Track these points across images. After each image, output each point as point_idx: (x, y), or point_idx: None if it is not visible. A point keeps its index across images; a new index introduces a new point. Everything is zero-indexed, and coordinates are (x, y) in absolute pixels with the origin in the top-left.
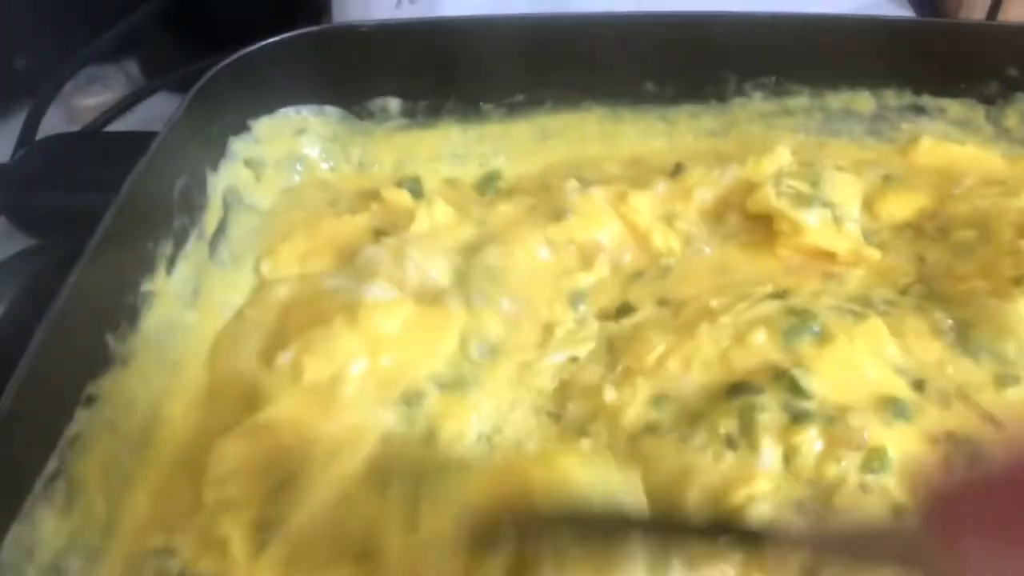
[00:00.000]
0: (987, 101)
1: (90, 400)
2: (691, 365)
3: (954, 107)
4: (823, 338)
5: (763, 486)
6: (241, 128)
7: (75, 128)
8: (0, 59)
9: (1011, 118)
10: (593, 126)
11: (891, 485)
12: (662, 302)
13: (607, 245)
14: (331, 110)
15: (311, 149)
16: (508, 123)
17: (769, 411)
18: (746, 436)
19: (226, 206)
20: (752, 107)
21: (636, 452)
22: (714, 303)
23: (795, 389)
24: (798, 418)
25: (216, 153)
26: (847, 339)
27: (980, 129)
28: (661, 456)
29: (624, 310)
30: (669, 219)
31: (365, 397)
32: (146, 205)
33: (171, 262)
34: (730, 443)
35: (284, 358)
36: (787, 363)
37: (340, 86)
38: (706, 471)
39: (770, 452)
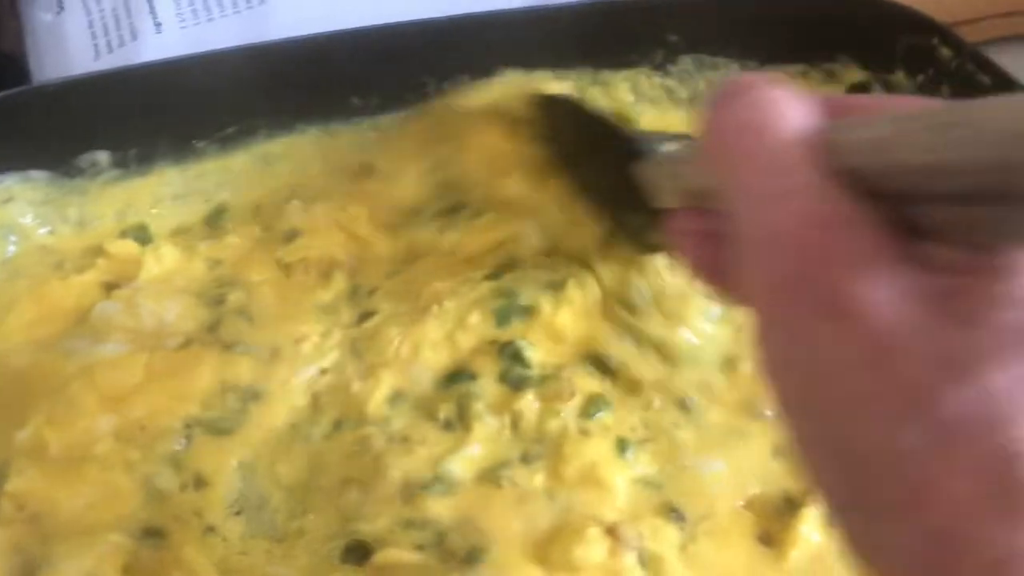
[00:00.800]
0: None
1: None
2: (420, 351)
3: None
4: (531, 311)
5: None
6: None
7: None
8: None
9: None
10: (309, 146)
11: (610, 422)
12: (399, 298)
13: (341, 258)
14: (37, 174)
15: (22, 218)
16: (225, 156)
17: (484, 396)
18: (462, 420)
19: None
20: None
21: None
22: (440, 286)
23: (517, 359)
24: (518, 386)
25: None
26: (551, 310)
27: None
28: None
29: (366, 315)
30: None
31: (119, 458)
32: None
33: None
34: (448, 426)
35: (23, 435)
36: (506, 337)
37: (43, 148)
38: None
39: (486, 427)
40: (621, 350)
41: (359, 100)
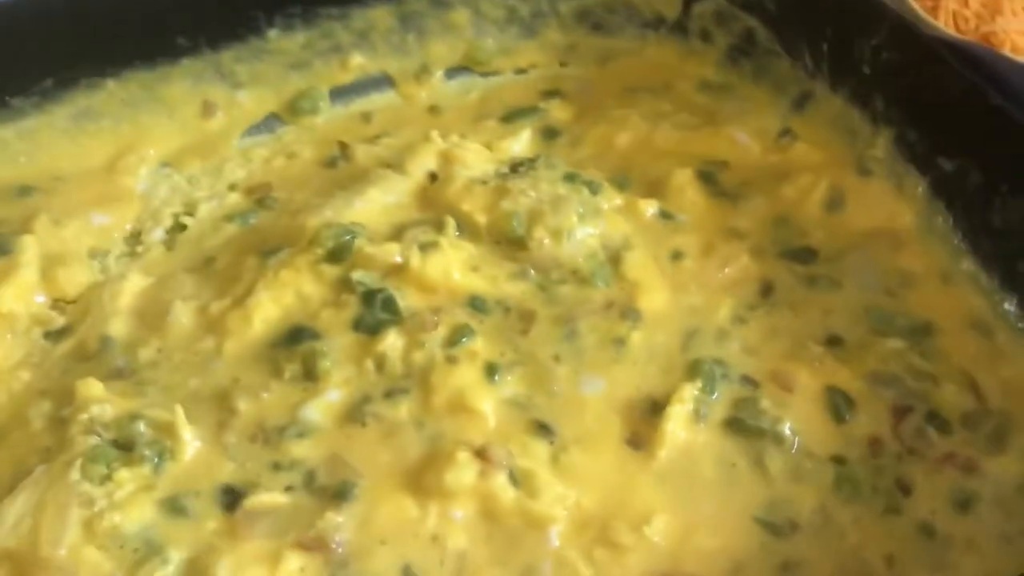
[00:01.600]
0: None
1: None
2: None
3: None
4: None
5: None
6: None
7: None
8: None
9: None
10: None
11: (478, 347)
12: None
13: None
14: None
15: None
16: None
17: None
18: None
19: None
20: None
21: None
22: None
23: (388, 307)
24: (375, 330)
25: None
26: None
27: None
28: None
29: None
30: None
31: None
32: None
33: None
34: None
35: None
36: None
37: None
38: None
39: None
40: (508, 287)
41: (186, 40)
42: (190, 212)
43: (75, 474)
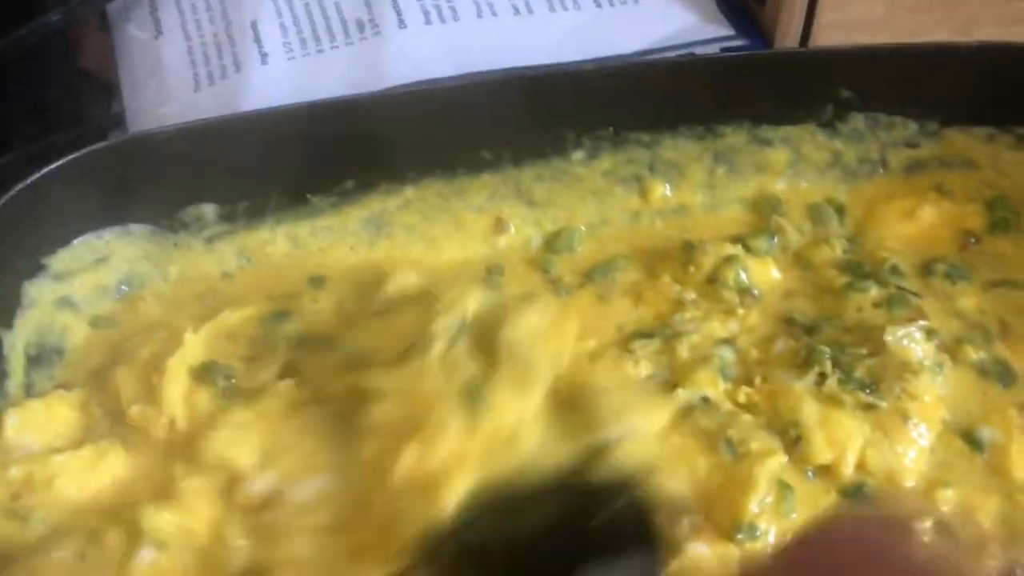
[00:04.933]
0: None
1: None
2: None
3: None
4: None
5: None
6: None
7: None
8: None
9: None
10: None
11: None
12: None
13: None
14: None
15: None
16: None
17: None
18: None
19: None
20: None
21: None
22: None
23: None
24: None
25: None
26: None
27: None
28: None
29: None
30: None
31: None
32: None
33: None
34: None
35: None
36: None
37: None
38: None
39: None
40: None
41: (490, 154)
42: None
43: None
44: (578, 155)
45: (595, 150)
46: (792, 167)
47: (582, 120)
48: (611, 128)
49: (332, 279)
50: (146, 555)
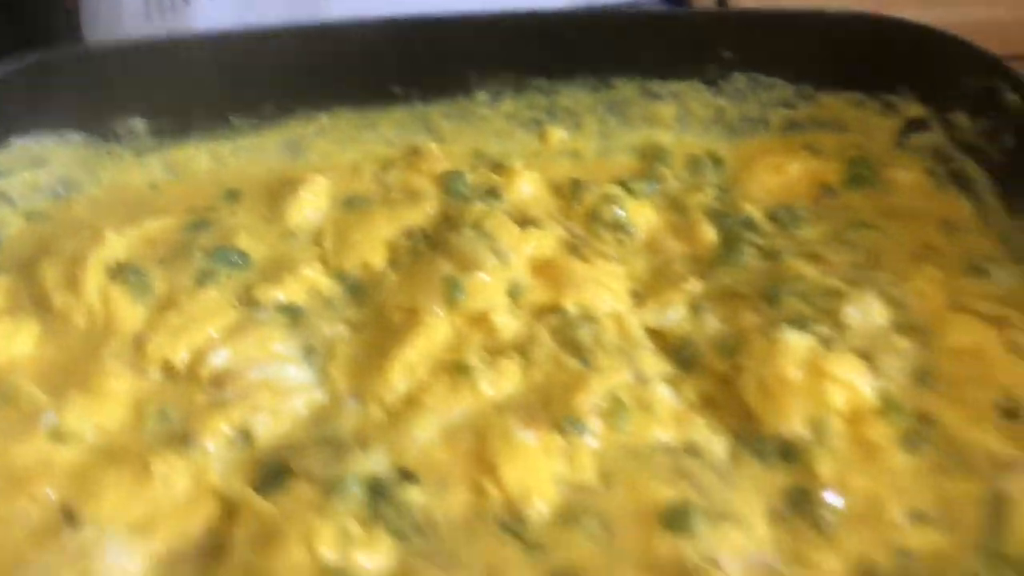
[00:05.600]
0: (709, 84)
1: None
2: None
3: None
4: None
5: None
6: None
7: None
8: None
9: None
10: (347, 128)
11: None
12: None
13: None
14: (74, 135)
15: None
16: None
17: None
18: None
19: None
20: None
21: None
22: None
23: None
24: None
25: None
26: None
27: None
28: None
29: None
30: None
31: None
32: None
33: None
34: None
35: None
36: None
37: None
38: None
39: None
40: None
41: (400, 89)
42: None
43: None
44: (482, 96)
45: (498, 94)
46: (680, 121)
47: (483, 63)
48: (512, 73)
49: (246, 192)
50: (49, 418)
